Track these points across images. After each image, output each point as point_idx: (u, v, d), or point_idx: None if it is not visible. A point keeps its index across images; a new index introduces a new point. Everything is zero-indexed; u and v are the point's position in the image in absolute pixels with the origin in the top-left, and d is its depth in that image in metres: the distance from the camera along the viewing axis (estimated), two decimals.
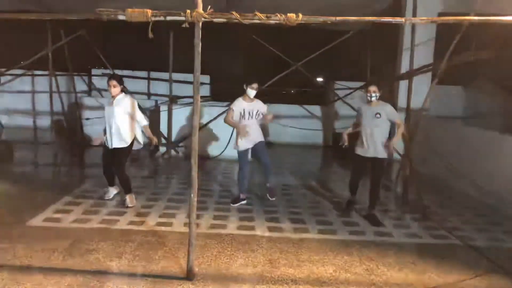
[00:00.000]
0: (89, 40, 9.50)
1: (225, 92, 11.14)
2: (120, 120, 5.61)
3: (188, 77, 11.54)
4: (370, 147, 5.57)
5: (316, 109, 12.45)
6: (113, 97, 5.65)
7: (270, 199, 6.27)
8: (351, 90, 10.75)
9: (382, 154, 5.54)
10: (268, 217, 5.62)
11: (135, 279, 3.76)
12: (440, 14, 9.13)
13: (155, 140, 5.85)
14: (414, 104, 6.86)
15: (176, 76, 10.72)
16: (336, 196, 6.84)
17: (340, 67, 12.74)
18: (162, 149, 9.44)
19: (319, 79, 12.83)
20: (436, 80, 6.22)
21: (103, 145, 5.85)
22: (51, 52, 9.25)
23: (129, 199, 5.78)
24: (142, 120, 5.81)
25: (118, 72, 11.43)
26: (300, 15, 3.56)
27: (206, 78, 12.08)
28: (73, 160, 9.33)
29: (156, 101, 10.77)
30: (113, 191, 6.11)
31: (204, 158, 9.21)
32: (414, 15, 7.05)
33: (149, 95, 11.89)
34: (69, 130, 10.72)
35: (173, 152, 9.45)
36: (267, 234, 5.03)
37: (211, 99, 11.65)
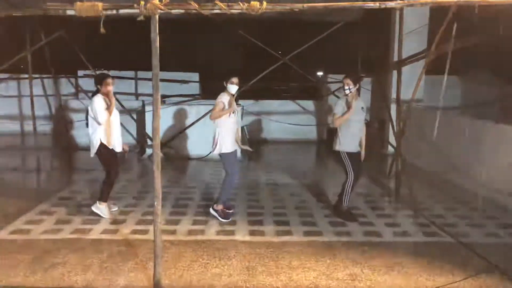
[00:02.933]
0: (70, 41, 9.20)
1: (215, 89, 10.84)
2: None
3: (176, 75, 11.30)
4: (356, 141, 5.38)
5: (309, 104, 12.16)
6: (109, 97, 5.27)
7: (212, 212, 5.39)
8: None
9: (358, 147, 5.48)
10: (250, 220, 5.34)
11: None
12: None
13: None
14: (407, 95, 6.56)
15: (163, 74, 10.44)
16: (325, 194, 6.56)
17: (333, 60, 12.43)
18: (149, 151, 9.17)
19: (318, 73, 12.50)
20: (424, 69, 5.90)
21: (108, 150, 5.25)
22: (32, 54, 9.00)
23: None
24: None
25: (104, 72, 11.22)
26: (264, 3, 3.26)
27: (195, 76, 11.81)
28: (56, 165, 9.07)
29: (143, 101, 10.49)
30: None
31: (191, 158, 8.95)
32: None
33: (137, 95, 11.63)
34: (55, 134, 10.47)
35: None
36: (247, 238, 4.76)
37: (201, 97, 11.38)
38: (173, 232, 4.91)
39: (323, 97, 11.77)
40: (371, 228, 5.12)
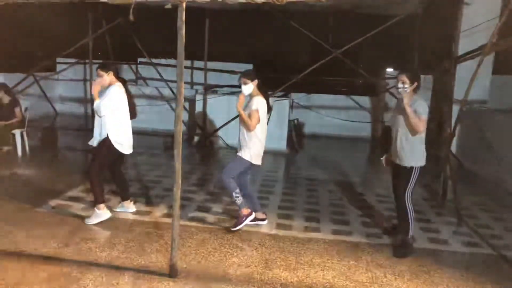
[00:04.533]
0: (129, 29, 9.58)
1: (268, 81, 10.84)
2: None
3: (230, 66, 11.43)
4: (395, 150, 4.39)
5: (365, 100, 11.80)
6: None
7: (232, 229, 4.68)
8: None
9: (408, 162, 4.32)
10: (281, 214, 5.30)
11: (117, 272, 3.64)
12: None
13: None
14: (471, 95, 6.12)
15: (216, 65, 10.69)
16: (365, 194, 6.35)
17: (392, 55, 11.93)
18: (198, 138, 9.40)
19: (389, 69, 11.99)
20: (479, 68, 5.48)
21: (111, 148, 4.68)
22: (95, 41, 9.51)
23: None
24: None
25: (162, 61, 11.60)
26: None
27: (249, 67, 11.86)
28: None
29: (197, 90, 10.73)
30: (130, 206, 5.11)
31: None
32: None
33: (192, 84, 11.90)
34: None
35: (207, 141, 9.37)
36: (273, 231, 4.73)
37: None
38: (203, 219, 4.99)
39: (380, 94, 11.38)
40: None
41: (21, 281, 3.42)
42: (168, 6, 3.34)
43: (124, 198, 5.09)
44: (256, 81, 4.56)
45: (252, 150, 4.57)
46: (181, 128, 3.57)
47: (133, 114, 4.99)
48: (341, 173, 7.64)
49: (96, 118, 4.70)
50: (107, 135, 4.62)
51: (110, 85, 4.66)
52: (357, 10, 9.00)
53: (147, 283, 3.50)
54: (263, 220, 4.85)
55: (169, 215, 5.04)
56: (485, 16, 8.11)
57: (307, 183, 6.83)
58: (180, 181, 3.62)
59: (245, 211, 4.67)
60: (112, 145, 4.64)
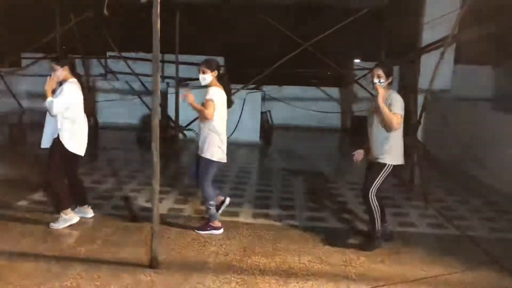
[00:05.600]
0: (98, 22, 9.43)
1: (240, 74, 10.91)
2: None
3: (201, 59, 11.40)
4: (372, 146, 4.27)
5: (334, 91, 12.05)
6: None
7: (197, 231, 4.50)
8: (367, 72, 10.25)
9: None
10: (257, 203, 5.44)
11: (98, 266, 3.68)
12: None
13: None
14: (434, 85, 6.38)
15: (188, 58, 10.65)
16: (338, 182, 6.57)
17: (359, 47, 12.18)
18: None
19: (356, 60, 12.20)
20: (442, 58, 5.74)
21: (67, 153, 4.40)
22: (62, 35, 9.32)
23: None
24: None
25: (132, 55, 11.46)
26: None
27: (220, 60, 11.87)
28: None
29: (168, 83, 10.70)
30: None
31: None
32: None
33: (163, 77, 11.80)
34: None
35: (180, 135, 9.38)
36: (250, 220, 4.86)
37: None
38: (180, 211, 5.07)
39: (349, 84, 11.63)
40: None
41: (0, 279, 3.43)
42: (144, 1, 3.38)
43: (81, 203, 4.74)
44: (215, 72, 4.33)
45: (215, 149, 4.32)
46: (158, 122, 3.63)
47: (90, 110, 4.69)
48: (314, 163, 7.84)
49: (47, 116, 4.40)
50: (58, 135, 4.33)
51: (64, 80, 4.34)
52: (327, 2, 9.18)
53: (129, 275, 3.55)
54: (223, 202, 4.65)
55: (146, 208, 5.08)
56: (448, 8, 8.44)
57: (282, 173, 6.99)
58: (158, 174, 3.69)
59: (215, 223, 4.47)
60: (64, 147, 4.34)
